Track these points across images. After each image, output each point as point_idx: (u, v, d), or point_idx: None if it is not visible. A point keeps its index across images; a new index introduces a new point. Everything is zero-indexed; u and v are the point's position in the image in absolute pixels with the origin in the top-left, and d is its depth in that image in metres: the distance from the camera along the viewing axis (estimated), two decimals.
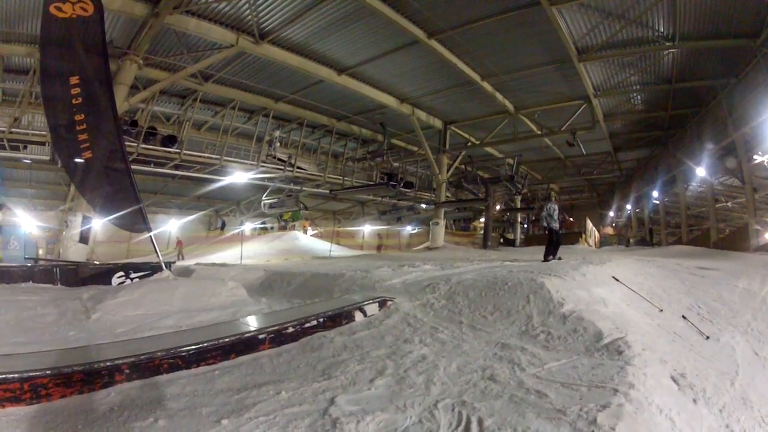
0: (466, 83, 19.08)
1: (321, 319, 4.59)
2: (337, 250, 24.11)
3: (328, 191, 26.81)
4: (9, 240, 22.68)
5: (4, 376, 2.83)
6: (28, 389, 2.89)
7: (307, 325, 4.46)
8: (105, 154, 9.01)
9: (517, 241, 34.20)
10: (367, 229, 35.08)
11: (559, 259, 11.50)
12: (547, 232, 13.18)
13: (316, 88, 19.74)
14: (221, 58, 16.19)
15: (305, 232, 32.97)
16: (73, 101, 8.47)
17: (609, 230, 40.68)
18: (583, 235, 31.27)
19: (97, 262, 14.10)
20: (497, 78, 18.67)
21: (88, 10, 8.24)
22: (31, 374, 2.92)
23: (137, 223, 9.65)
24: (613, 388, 3.09)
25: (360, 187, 24.74)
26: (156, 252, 9.90)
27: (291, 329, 4.27)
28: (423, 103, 21.97)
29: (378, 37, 15.71)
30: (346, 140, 26.40)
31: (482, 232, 30.75)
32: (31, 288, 8.21)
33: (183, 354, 3.47)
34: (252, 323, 4.64)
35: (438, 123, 24.41)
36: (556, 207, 12.74)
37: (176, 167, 21.91)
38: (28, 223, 23.69)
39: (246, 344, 3.85)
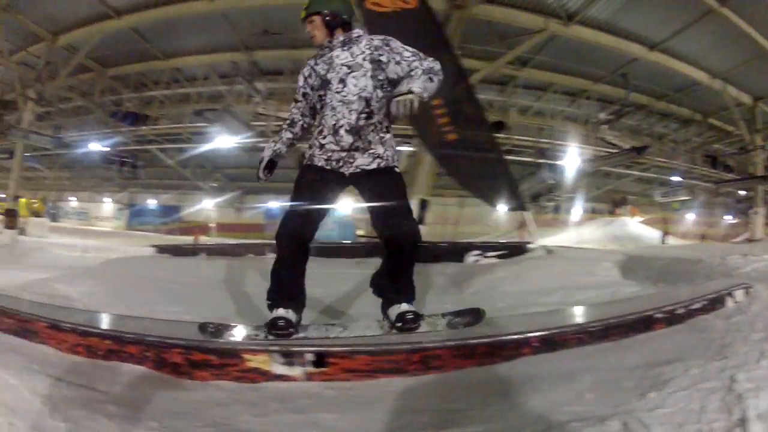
0: None
1: (701, 303, 4.36)
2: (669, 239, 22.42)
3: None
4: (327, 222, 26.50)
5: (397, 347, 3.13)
6: (418, 360, 3.23)
7: (692, 307, 4.26)
8: (469, 136, 8.87)
9: None
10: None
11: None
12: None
13: (630, 67, 18.23)
14: (532, 43, 16.29)
15: (632, 218, 31.73)
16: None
17: None
18: None
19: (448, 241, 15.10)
20: None
21: (410, 2, 8.13)
22: (425, 345, 3.27)
23: (508, 199, 9.49)
24: None
25: (606, 158, 22.22)
26: (531, 230, 9.69)
27: (679, 310, 4.12)
28: (732, 77, 18.49)
29: (675, 9, 14.20)
30: (667, 121, 24.01)
31: None
32: None
33: (591, 329, 3.58)
34: (639, 303, 4.61)
35: (747, 99, 20.17)
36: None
37: (507, 152, 22.61)
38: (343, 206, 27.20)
39: (643, 323, 3.82)
